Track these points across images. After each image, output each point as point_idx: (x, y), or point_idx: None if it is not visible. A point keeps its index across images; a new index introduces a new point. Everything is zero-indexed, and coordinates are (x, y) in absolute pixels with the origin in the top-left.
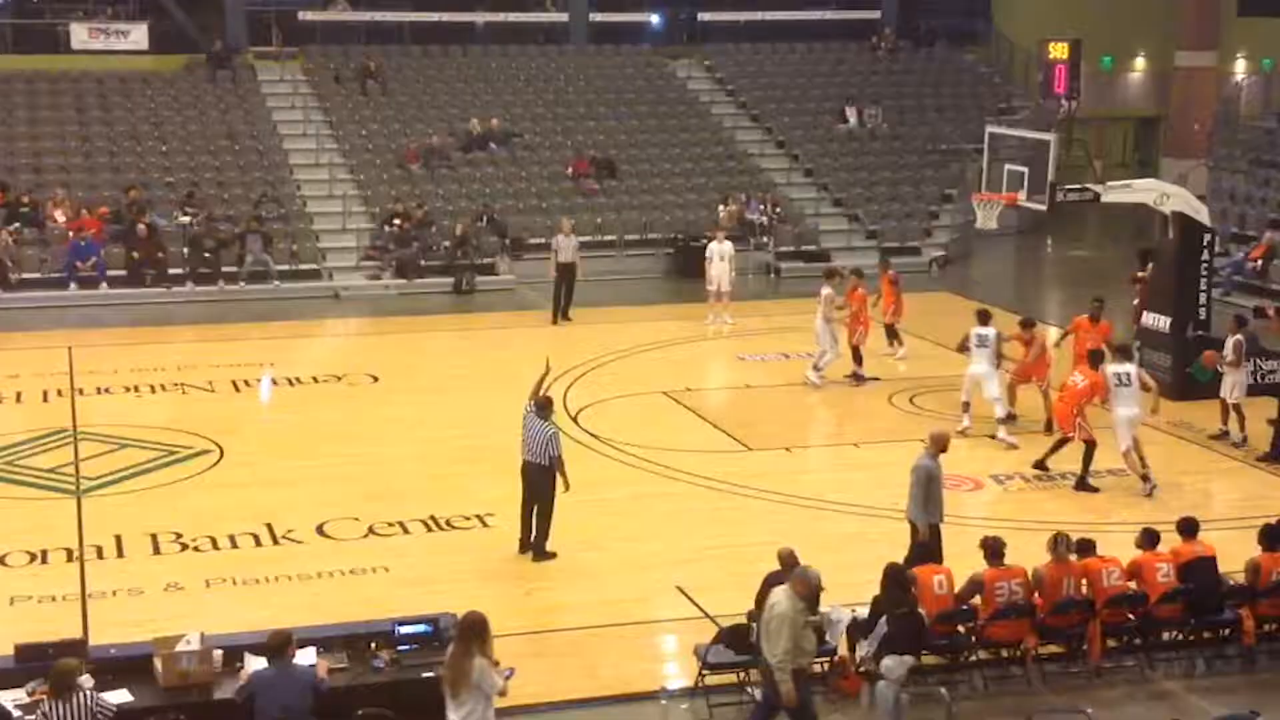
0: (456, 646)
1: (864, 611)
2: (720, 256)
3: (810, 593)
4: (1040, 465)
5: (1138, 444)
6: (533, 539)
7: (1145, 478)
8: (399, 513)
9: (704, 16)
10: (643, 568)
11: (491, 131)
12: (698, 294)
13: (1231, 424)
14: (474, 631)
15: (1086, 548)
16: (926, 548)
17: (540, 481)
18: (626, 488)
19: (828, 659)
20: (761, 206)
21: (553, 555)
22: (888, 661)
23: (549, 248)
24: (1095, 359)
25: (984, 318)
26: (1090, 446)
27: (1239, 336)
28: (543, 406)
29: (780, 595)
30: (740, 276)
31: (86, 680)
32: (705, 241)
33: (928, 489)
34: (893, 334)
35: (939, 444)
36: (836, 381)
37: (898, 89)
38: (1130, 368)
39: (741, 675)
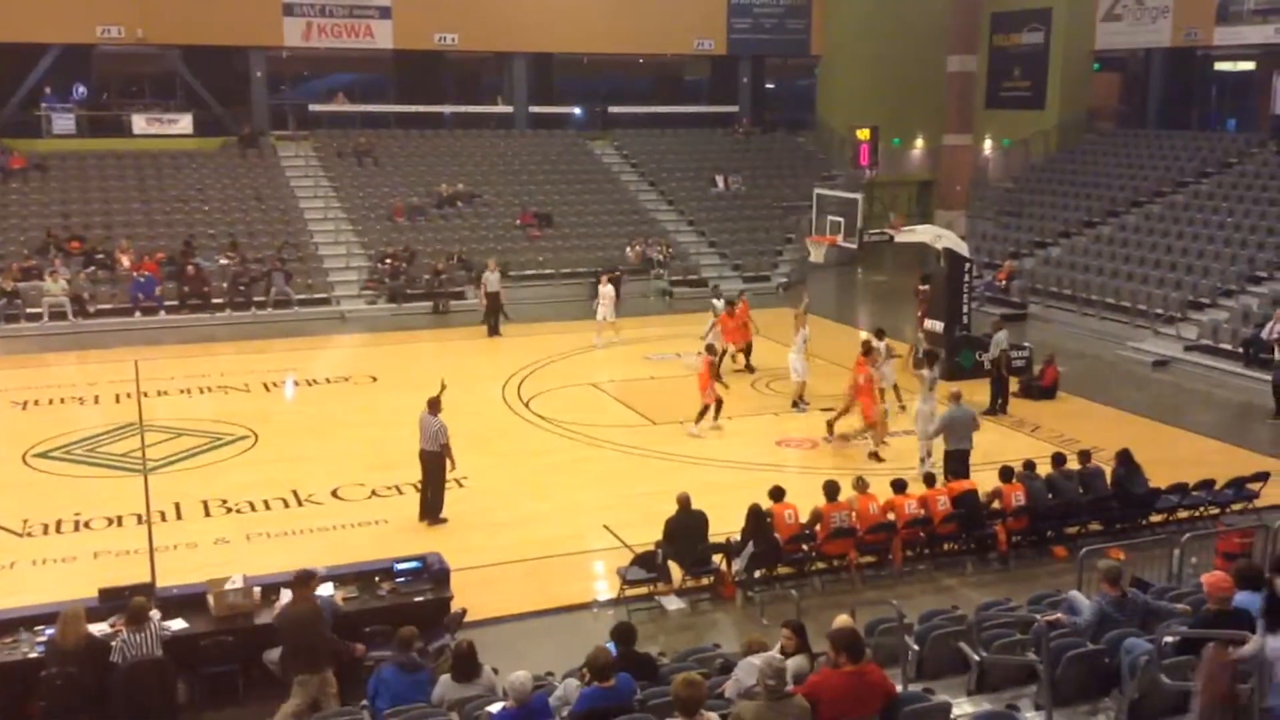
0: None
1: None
2: (604, 298)
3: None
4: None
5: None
6: (428, 507)
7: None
8: (394, 479)
9: (614, 109)
10: (579, 512)
11: (458, 193)
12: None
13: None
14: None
15: (900, 486)
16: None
17: (433, 464)
18: (565, 454)
19: (712, 573)
20: (658, 247)
21: (444, 520)
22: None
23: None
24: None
25: (880, 334)
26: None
27: None
28: (432, 406)
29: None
30: (643, 299)
31: (155, 614)
32: (620, 273)
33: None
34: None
35: (955, 397)
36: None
37: (752, 162)
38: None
39: (650, 588)
